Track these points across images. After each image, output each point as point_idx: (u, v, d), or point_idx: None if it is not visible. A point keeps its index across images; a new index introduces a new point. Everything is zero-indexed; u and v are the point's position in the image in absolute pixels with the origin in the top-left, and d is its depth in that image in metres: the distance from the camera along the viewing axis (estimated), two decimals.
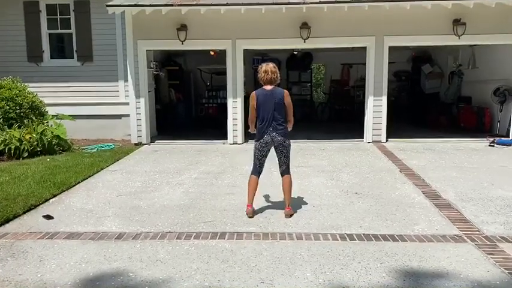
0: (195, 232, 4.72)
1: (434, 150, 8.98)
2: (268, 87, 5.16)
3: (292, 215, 5.21)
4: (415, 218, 5.11)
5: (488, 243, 4.37)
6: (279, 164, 5.29)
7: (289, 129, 5.28)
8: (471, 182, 6.56)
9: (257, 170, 5.28)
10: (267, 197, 5.82)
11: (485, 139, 9.90)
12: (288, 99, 5.15)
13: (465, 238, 4.50)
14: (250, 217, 5.12)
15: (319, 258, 4.04)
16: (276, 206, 5.49)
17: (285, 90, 5.21)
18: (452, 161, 8.00)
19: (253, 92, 5.23)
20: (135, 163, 8.27)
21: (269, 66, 5.17)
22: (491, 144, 9.45)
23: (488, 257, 4.03)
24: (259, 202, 5.54)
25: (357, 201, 5.73)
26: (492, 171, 7.21)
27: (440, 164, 7.81)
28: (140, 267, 3.88)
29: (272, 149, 5.25)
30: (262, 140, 5.17)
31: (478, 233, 4.64)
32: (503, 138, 9.80)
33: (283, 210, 5.23)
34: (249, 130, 5.43)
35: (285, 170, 5.28)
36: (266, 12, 9.32)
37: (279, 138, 5.14)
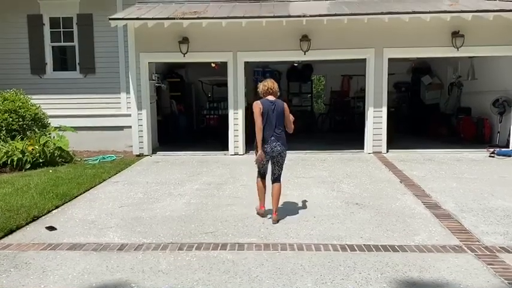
0: (196, 243, 4.75)
1: (435, 161, 9.02)
2: (271, 98, 5.40)
3: (279, 220, 5.35)
4: (415, 228, 5.14)
5: (488, 253, 4.39)
6: (272, 172, 5.48)
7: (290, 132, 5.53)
8: (471, 192, 6.60)
9: (262, 174, 5.53)
10: (268, 208, 5.83)
11: (485, 150, 9.94)
12: (287, 109, 5.44)
13: (465, 248, 4.52)
14: (262, 217, 5.35)
15: (320, 268, 4.06)
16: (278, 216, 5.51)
17: (284, 102, 5.48)
18: (452, 172, 8.04)
19: (257, 101, 5.41)
20: (137, 174, 8.32)
21: (267, 81, 5.53)
22: (491, 155, 9.49)
23: (488, 268, 4.05)
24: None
25: (358, 212, 5.76)
26: (492, 182, 7.24)
27: (441, 174, 7.85)
28: (142, 278, 3.91)
29: None
30: (262, 149, 5.32)
31: (478, 243, 4.66)
32: (503, 149, 9.83)
33: (272, 216, 5.37)
34: (256, 143, 5.28)
35: (276, 177, 5.48)
36: (267, 25, 9.44)
37: (279, 148, 5.34)
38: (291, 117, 5.49)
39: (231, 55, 10.12)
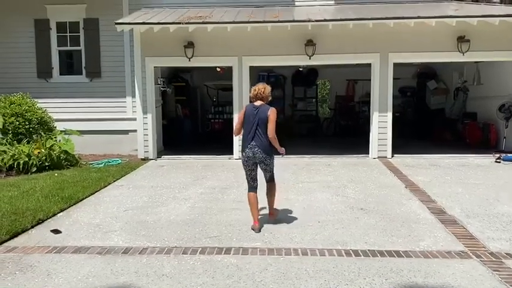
0: (200, 247, 4.75)
1: (440, 166, 8.98)
2: (257, 103, 5.32)
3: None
4: (420, 234, 5.12)
5: (494, 259, 4.37)
6: (264, 176, 5.45)
7: (277, 147, 5.24)
8: (477, 198, 6.56)
9: (251, 185, 5.41)
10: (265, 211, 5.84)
11: (490, 155, 9.87)
12: (272, 115, 5.14)
13: (470, 254, 4.50)
14: (257, 232, 5.17)
15: (325, 274, 4.05)
16: (281, 221, 5.51)
17: (273, 108, 5.24)
18: (457, 177, 8.00)
19: (245, 106, 5.47)
20: (142, 178, 8.34)
21: (258, 85, 5.41)
22: (497, 160, 9.42)
23: (493, 274, 4.03)
24: (262, 218, 5.56)
25: (363, 217, 5.74)
26: (498, 188, 7.20)
27: (446, 180, 7.81)
28: (146, 282, 3.92)
29: None
30: (244, 154, 5.30)
31: (483, 249, 4.64)
32: (509, 155, 9.75)
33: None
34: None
35: (269, 179, 5.46)
36: (272, 29, 9.47)
37: (261, 156, 5.22)
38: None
39: (236, 59, 10.15)
